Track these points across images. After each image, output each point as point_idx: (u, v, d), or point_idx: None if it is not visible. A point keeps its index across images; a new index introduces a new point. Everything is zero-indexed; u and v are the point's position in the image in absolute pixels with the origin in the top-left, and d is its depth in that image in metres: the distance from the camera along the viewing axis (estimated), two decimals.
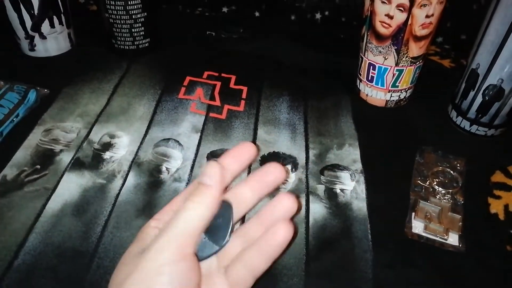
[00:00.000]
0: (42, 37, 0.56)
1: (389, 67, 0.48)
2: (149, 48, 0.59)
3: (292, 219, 0.32)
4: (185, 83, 0.54)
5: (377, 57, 0.48)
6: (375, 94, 0.51)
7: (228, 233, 0.31)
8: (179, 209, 0.28)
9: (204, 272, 0.30)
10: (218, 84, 0.54)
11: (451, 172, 0.43)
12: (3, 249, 0.36)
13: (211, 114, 0.50)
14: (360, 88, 0.53)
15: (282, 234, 0.29)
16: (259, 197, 0.32)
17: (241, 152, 0.32)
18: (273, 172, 0.32)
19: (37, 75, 0.54)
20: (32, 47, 0.57)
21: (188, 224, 0.27)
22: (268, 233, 0.30)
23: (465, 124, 0.48)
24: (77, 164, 0.43)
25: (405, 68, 0.48)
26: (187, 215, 0.27)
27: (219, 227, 0.30)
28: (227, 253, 0.30)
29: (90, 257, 0.35)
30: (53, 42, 0.57)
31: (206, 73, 0.56)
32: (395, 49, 0.46)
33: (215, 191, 0.28)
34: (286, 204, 0.31)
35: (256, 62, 0.59)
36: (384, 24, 0.45)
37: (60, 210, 0.39)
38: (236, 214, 0.31)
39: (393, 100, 0.51)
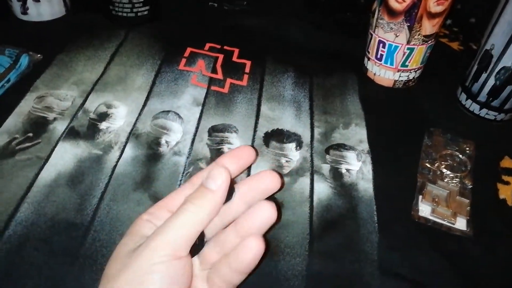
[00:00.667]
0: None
1: (400, 45, 0.46)
2: (148, 17, 0.56)
3: (265, 234, 0.29)
4: (186, 54, 0.52)
5: (387, 34, 0.46)
6: (383, 74, 0.49)
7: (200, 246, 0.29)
8: (179, 209, 0.27)
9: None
10: (221, 56, 0.52)
11: (460, 155, 0.42)
12: None
13: (213, 88, 0.48)
14: (367, 67, 0.51)
15: (252, 251, 0.28)
16: (248, 205, 0.30)
17: (241, 155, 0.32)
18: (267, 180, 0.31)
19: (30, 40, 0.51)
20: (24, 10, 0.54)
21: (185, 228, 0.26)
22: (238, 249, 0.28)
23: (475, 108, 0.47)
24: (71, 134, 0.41)
25: (416, 46, 0.46)
26: (186, 218, 0.26)
27: None
28: (207, 259, 0.29)
29: (85, 229, 0.34)
30: (46, 5, 0.54)
31: (208, 45, 0.53)
32: (407, 26, 0.44)
33: (218, 197, 0.28)
34: (265, 213, 0.29)
35: (260, 36, 0.57)
36: None
37: (53, 180, 0.37)
38: (222, 222, 0.30)
39: (402, 80, 0.50)
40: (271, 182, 0.31)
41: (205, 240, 0.30)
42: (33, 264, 0.31)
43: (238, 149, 0.33)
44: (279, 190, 0.32)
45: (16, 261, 0.31)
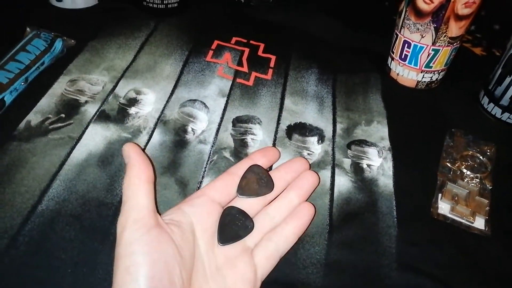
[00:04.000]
0: None
1: (425, 46, 0.47)
2: (177, 9, 0.57)
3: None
4: (213, 46, 0.53)
5: (413, 35, 0.47)
6: (407, 74, 0.50)
7: (250, 226, 0.32)
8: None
9: (228, 256, 0.30)
10: (247, 50, 0.53)
11: (481, 157, 0.43)
12: (26, 193, 0.35)
13: (238, 80, 0.49)
14: (391, 67, 0.52)
15: (309, 212, 0.34)
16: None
17: (268, 152, 0.37)
18: (297, 162, 0.37)
19: (64, 26, 0.52)
20: None
21: (131, 199, 0.28)
22: (296, 211, 0.33)
23: (497, 111, 0.47)
24: (102, 117, 0.42)
25: (441, 48, 0.46)
26: (128, 192, 0.28)
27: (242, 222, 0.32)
28: (255, 235, 0.32)
29: (115, 209, 0.35)
30: None
31: (234, 39, 0.54)
32: (434, 27, 0.45)
33: (135, 167, 0.29)
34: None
35: (286, 32, 0.58)
36: (426, 0, 0.44)
37: (84, 159, 0.38)
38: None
39: (425, 82, 0.50)
40: (302, 163, 0.37)
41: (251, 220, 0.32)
42: (65, 238, 0.33)
43: (266, 148, 0.38)
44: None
45: (49, 235, 0.33)
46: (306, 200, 0.35)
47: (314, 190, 0.37)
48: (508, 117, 0.47)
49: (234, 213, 0.32)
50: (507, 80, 0.45)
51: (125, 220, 0.26)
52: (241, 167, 0.35)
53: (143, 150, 0.40)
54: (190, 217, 0.30)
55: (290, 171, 0.36)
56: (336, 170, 0.41)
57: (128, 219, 0.26)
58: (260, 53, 0.53)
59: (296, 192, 0.35)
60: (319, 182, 0.37)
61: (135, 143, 0.31)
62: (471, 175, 0.41)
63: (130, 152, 0.30)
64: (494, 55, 0.60)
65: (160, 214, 0.29)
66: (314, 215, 0.34)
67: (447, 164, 0.42)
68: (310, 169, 0.37)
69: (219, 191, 0.33)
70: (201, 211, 0.31)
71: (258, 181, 0.34)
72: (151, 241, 0.26)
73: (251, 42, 0.54)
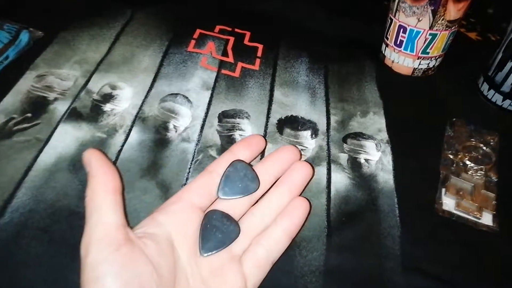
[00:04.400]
0: None
1: (422, 31, 0.44)
2: None
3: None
4: (195, 35, 0.49)
5: (409, 19, 0.44)
6: (402, 61, 0.47)
7: (236, 231, 0.29)
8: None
9: (214, 266, 0.27)
10: (231, 39, 0.49)
11: (484, 147, 0.40)
12: None
13: (223, 71, 0.45)
14: (385, 54, 0.49)
15: (301, 209, 0.30)
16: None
17: (252, 142, 0.33)
18: (286, 152, 0.33)
19: (31, 16, 0.48)
20: None
21: (95, 214, 0.25)
22: (287, 209, 0.30)
23: (497, 98, 0.45)
24: (73, 115, 0.38)
25: (439, 32, 0.43)
26: (91, 207, 0.25)
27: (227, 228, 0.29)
28: (241, 240, 0.29)
29: None
30: None
31: (218, 27, 0.51)
32: (431, 10, 0.42)
33: (97, 177, 0.26)
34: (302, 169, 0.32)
35: (273, 20, 0.54)
36: None
37: (53, 164, 0.34)
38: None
39: (421, 69, 0.47)
40: (291, 153, 0.33)
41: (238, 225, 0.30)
42: (31, 254, 0.29)
43: (249, 137, 0.34)
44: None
45: (13, 251, 0.29)
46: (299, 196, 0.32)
47: (307, 184, 0.33)
48: (510, 104, 0.44)
49: (217, 217, 0.29)
50: (509, 65, 0.43)
51: (89, 240, 0.23)
52: (222, 163, 0.31)
53: (118, 153, 0.36)
54: (166, 227, 0.27)
55: (278, 163, 0.32)
56: (332, 166, 0.38)
57: (92, 237, 0.23)
58: (246, 42, 0.50)
59: (287, 187, 0.31)
60: (313, 173, 0.34)
61: (98, 149, 0.28)
62: (475, 167, 0.38)
63: (91, 160, 0.26)
64: (489, 40, 0.58)
65: (132, 228, 0.26)
66: (309, 212, 0.31)
67: (449, 156, 0.39)
68: (301, 158, 0.34)
69: (198, 193, 0.29)
70: (179, 218, 0.27)
71: (242, 178, 0.31)
72: (121, 260, 0.22)
73: (236, 30, 0.51)
